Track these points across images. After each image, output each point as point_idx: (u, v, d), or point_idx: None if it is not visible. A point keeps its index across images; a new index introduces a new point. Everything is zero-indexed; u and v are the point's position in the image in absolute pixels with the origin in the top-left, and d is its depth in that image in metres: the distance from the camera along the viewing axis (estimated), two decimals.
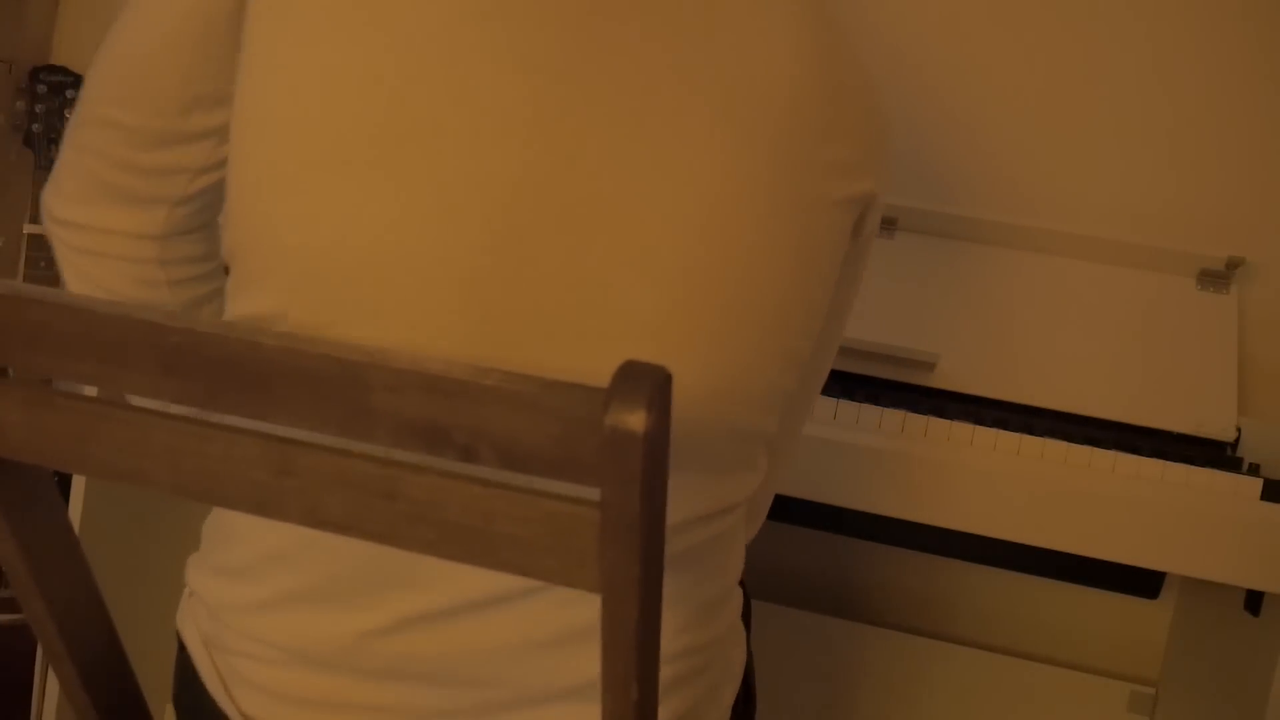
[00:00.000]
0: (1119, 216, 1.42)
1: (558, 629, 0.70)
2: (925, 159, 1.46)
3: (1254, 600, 1.31)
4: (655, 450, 0.49)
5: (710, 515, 0.74)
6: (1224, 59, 1.41)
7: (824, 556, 1.73)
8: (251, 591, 0.73)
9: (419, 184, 0.65)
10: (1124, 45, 1.43)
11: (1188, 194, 1.41)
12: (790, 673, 1.69)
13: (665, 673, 0.72)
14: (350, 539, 0.66)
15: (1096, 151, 1.44)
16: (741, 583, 0.86)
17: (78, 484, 1.33)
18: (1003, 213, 1.39)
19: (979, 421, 1.24)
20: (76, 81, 1.71)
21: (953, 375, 1.34)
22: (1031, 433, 1.23)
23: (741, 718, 0.87)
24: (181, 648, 0.80)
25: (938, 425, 1.23)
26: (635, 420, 0.48)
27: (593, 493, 0.51)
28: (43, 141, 1.69)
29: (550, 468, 0.52)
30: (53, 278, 1.79)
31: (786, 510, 1.32)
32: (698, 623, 0.77)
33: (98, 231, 0.77)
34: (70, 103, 1.70)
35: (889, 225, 1.42)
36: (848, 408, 1.24)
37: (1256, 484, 1.17)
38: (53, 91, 1.69)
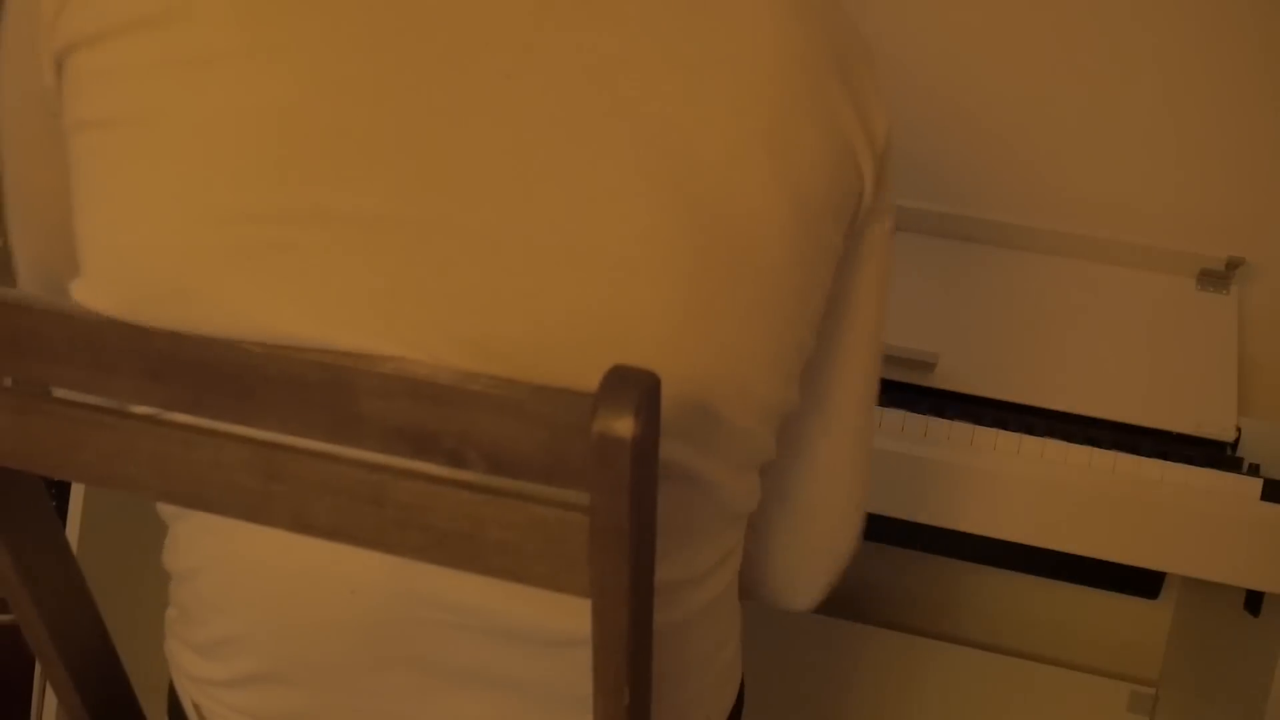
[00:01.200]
0: (1119, 216, 1.41)
1: (545, 692, 0.69)
2: (925, 159, 1.45)
3: (1254, 600, 1.30)
4: (644, 456, 0.49)
5: (709, 569, 0.72)
6: (1225, 59, 1.40)
7: None
8: (217, 669, 0.72)
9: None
10: (1124, 45, 1.43)
11: (1188, 194, 1.41)
12: (789, 672, 1.69)
13: None
14: (304, 621, 0.66)
15: (1096, 152, 1.43)
16: None
17: (77, 487, 1.33)
18: (1002, 213, 1.39)
19: (979, 421, 1.24)
20: None
21: (953, 375, 1.34)
22: (1031, 433, 1.23)
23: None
24: (174, 701, 0.80)
25: (937, 425, 1.23)
26: (623, 426, 0.47)
27: (583, 496, 0.51)
28: None
29: (539, 473, 0.52)
30: None
31: None
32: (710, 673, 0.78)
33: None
34: None
35: None
36: None
37: (1256, 484, 1.16)
38: None
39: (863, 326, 0.77)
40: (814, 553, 0.85)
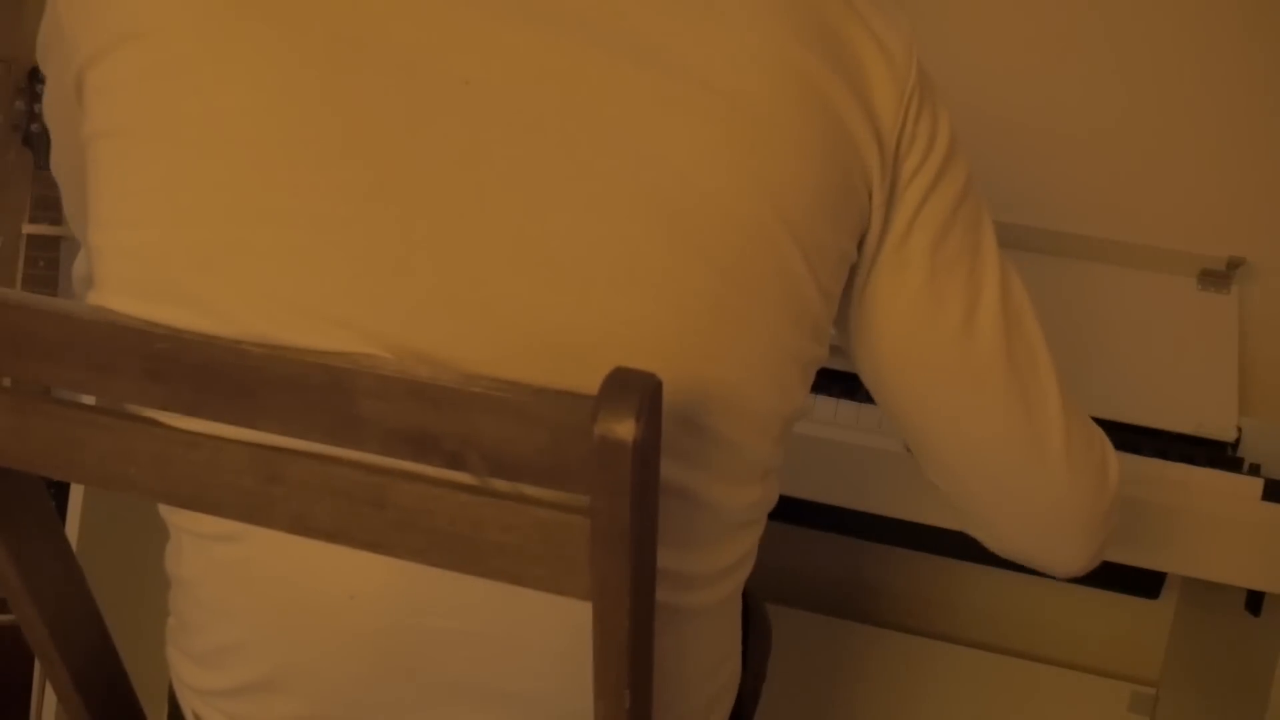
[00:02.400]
0: (1119, 216, 1.41)
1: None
2: None
3: (1254, 600, 1.30)
4: (646, 459, 0.49)
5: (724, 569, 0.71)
6: (1224, 59, 1.40)
7: (824, 557, 1.73)
8: (216, 678, 0.72)
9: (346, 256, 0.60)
10: (1123, 44, 1.43)
11: (1188, 194, 1.41)
12: (790, 673, 1.69)
13: None
14: (303, 628, 0.66)
15: (1096, 152, 1.43)
16: (746, 592, 0.85)
17: (77, 487, 1.33)
18: (1001, 213, 1.37)
19: None
20: None
21: None
22: None
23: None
24: (174, 709, 0.80)
25: None
26: (624, 429, 0.47)
27: (584, 499, 0.51)
28: (42, 141, 1.68)
29: (539, 475, 0.52)
30: (52, 278, 1.79)
31: (788, 510, 1.31)
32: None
33: None
34: None
35: None
36: (848, 408, 1.24)
37: (1257, 484, 1.16)
38: None
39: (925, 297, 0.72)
40: (1020, 513, 0.80)
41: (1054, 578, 1.57)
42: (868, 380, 0.78)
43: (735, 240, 0.61)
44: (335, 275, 0.59)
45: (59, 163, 0.80)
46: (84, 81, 0.64)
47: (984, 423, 0.75)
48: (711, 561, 0.70)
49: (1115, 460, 0.82)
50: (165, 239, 0.60)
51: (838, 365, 1.35)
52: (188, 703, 0.76)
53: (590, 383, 0.55)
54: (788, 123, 0.63)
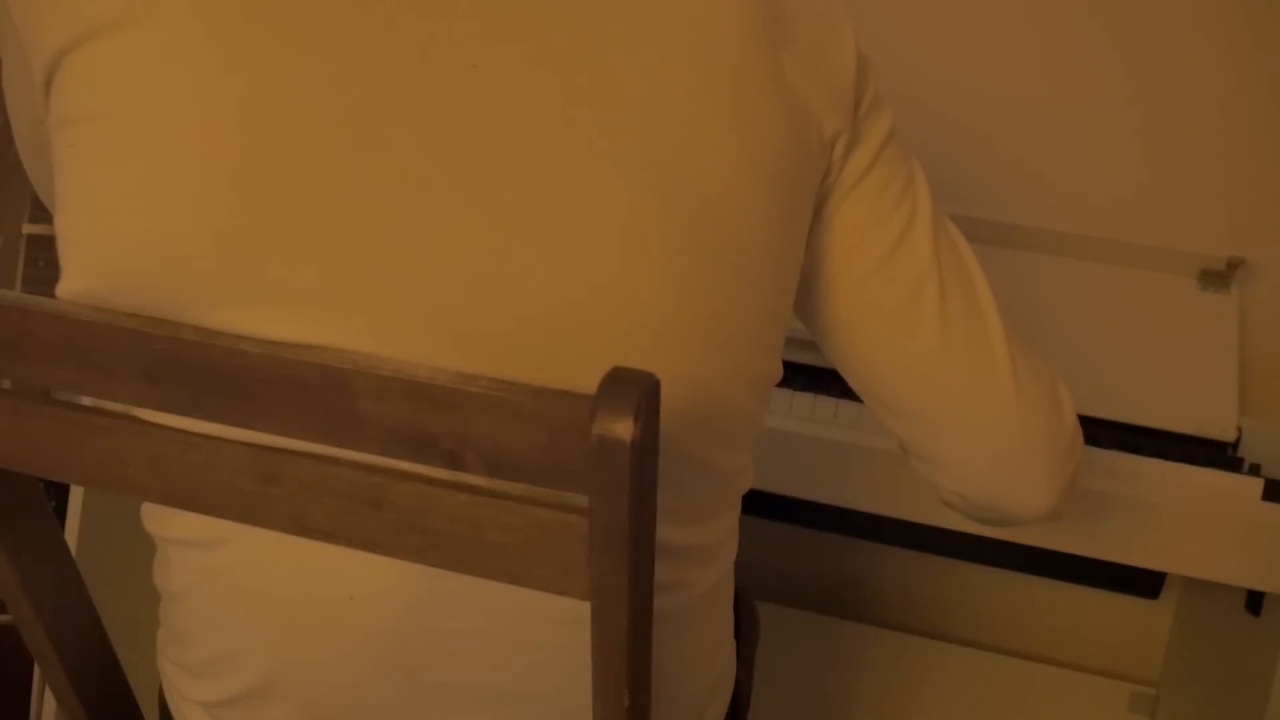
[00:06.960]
0: (1119, 216, 1.41)
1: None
2: (923, 159, 1.45)
3: (1254, 600, 1.30)
4: (644, 458, 0.49)
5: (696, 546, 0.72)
6: (1224, 58, 1.40)
7: (824, 556, 1.73)
8: (211, 689, 0.73)
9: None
10: (1123, 44, 1.43)
11: (1188, 194, 1.41)
12: (790, 673, 1.69)
13: None
14: (301, 631, 0.66)
15: (1096, 151, 1.43)
16: (738, 590, 0.86)
17: (76, 489, 1.33)
18: (1001, 213, 1.38)
19: None
20: None
21: None
22: None
23: None
24: (165, 716, 0.80)
25: None
26: (623, 429, 0.47)
27: (582, 499, 0.51)
28: None
29: (538, 475, 0.52)
30: (52, 278, 1.79)
31: (787, 510, 1.32)
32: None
33: None
34: None
35: None
36: (848, 408, 1.24)
37: (1257, 484, 1.16)
38: None
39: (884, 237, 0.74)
40: (976, 449, 0.79)
41: (1057, 577, 1.58)
42: (813, 329, 0.79)
43: (746, 220, 0.64)
44: (358, 258, 0.59)
45: (24, 147, 0.77)
46: (58, 72, 0.61)
47: (921, 342, 0.76)
48: (709, 532, 0.72)
49: (1068, 393, 0.82)
50: (173, 225, 0.59)
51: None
52: (184, 713, 0.76)
53: (605, 348, 0.59)
54: (766, 105, 0.65)
